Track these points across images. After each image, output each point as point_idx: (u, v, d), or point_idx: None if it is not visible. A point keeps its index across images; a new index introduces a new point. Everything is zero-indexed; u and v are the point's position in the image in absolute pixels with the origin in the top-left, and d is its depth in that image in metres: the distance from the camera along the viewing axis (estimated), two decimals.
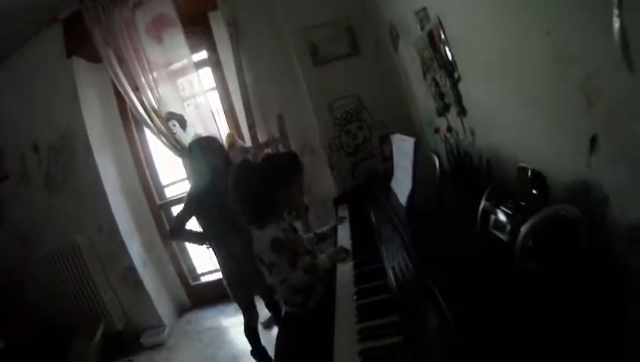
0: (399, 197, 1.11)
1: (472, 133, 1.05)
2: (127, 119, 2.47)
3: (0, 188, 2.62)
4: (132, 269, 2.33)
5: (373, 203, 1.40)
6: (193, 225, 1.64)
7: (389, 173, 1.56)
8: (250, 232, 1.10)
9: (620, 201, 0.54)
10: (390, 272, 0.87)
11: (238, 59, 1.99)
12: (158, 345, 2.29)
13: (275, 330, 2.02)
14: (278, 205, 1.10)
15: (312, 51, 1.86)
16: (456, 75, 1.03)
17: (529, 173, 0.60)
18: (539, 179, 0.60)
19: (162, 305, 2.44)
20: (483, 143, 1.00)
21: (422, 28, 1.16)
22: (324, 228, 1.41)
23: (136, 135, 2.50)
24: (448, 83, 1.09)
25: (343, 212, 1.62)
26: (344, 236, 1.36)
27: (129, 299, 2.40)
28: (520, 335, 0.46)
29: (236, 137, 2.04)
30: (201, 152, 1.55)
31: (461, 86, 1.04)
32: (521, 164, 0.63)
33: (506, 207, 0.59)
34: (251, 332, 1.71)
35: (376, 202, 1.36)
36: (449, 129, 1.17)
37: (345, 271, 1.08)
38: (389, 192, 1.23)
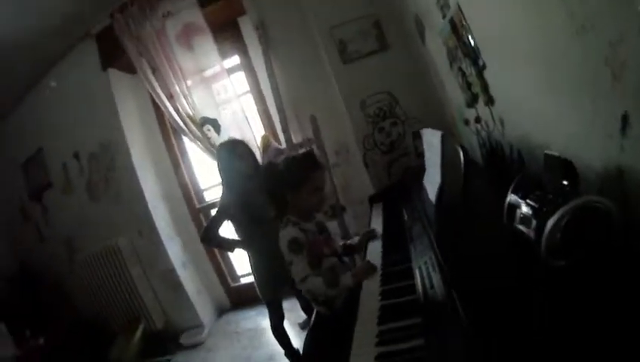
0: (429, 193, 1.08)
1: (502, 122, 1.00)
2: (165, 126, 2.56)
3: (44, 195, 2.79)
4: (171, 270, 2.40)
5: (406, 200, 1.37)
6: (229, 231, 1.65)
7: (422, 169, 1.56)
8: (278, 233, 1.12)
9: None
10: (417, 273, 0.83)
11: (269, 63, 2.01)
12: (197, 345, 2.35)
13: None
14: (296, 207, 1.09)
15: (341, 49, 1.85)
16: (480, 63, 0.99)
17: (556, 162, 0.55)
18: (567, 167, 0.54)
19: (201, 306, 2.51)
20: (513, 133, 0.95)
21: (443, 16, 1.13)
22: (354, 240, 1.35)
23: (174, 141, 2.58)
24: (474, 71, 1.05)
25: (378, 210, 1.60)
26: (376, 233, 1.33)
27: (169, 300, 2.49)
28: (542, 344, 0.41)
29: (271, 139, 2.07)
30: (227, 156, 1.56)
31: (486, 73, 0.99)
32: (548, 152, 0.58)
33: (532, 200, 0.55)
34: (278, 332, 1.72)
35: (409, 199, 1.34)
36: (477, 119, 1.13)
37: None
38: (421, 189, 1.21)
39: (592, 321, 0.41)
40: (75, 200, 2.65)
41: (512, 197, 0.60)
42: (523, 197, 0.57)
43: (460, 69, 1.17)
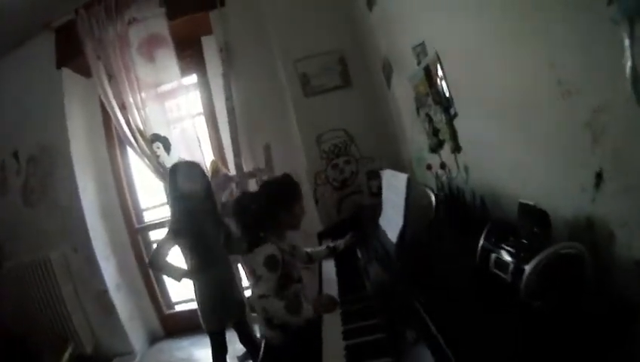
0: (389, 234, 1.08)
1: (466, 169, 1.04)
2: (112, 138, 2.42)
3: None
4: (105, 292, 2.23)
5: (360, 239, 1.38)
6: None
7: (376, 209, 1.55)
8: (229, 262, 1.12)
9: (625, 237, 0.53)
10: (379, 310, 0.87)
11: (228, 86, 1.96)
12: None
13: None
14: (280, 226, 1.17)
15: (304, 82, 1.85)
16: (452, 111, 1.03)
17: (531, 210, 0.60)
18: (541, 216, 0.59)
19: (134, 332, 2.33)
20: (478, 180, 0.99)
21: (418, 63, 1.16)
22: (339, 242, 1.40)
23: (119, 155, 2.45)
24: (444, 119, 1.08)
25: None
26: (329, 272, 1.32)
27: (100, 323, 2.29)
28: None
29: (220, 165, 1.99)
30: (182, 178, 1.50)
31: (457, 122, 1.03)
32: (523, 201, 0.62)
33: (508, 246, 0.59)
34: None
35: (363, 238, 1.35)
36: (442, 165, 1.15)
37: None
38: (376, 229, 1.21)
39: (565, 352, 0.46)
40: (8, 202, 2.42)
41: (484, 243, 0.64)
42: (497, 243, 0.62)
43: (428, 115, 1.19)
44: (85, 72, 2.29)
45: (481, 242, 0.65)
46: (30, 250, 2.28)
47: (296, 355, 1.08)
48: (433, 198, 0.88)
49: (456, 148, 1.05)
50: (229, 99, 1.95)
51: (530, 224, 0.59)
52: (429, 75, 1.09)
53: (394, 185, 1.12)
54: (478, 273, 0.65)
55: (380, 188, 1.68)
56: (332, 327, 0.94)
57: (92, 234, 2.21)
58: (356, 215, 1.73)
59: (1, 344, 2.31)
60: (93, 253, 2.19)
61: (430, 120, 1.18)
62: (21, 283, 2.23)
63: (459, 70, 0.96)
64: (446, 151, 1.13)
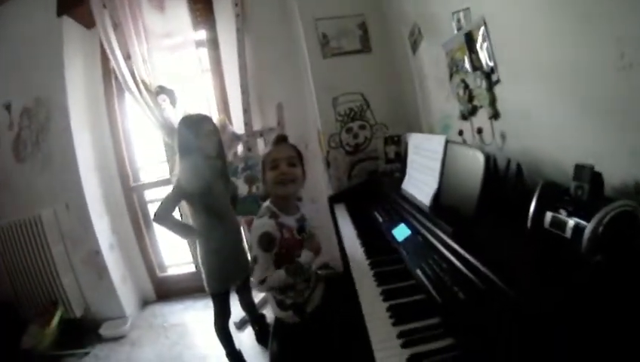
0: (418, 197, 1.07)
1: (503, 136, 1.03)
2: (111, 93, 2.29)
3: None
4: (97, 252, 2.13)
5: (377, 203, 1.35)
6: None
7: (392, 175, 1.51)
8: (237, 222, 1.02)
9: None
10: (420, 273, 0.83)
11: (242, 41, 1.87)
12: (119, 338, 2.09)
13: (247, 331, 1.88)
14: (266, 187, 1.04)
15: (323, 42, 1.77)
16: (494, 77, 1.01)
17: (587, 172, 0.62)
18: (596, 178, 0.61)
19: (126, 295, 2.24)
20: (514, 147, 0.98)
21: (459, 28, 1.14)
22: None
23: (117, 109, 2.32)
24: (484, 85, 1.06)
25: (342, 211, 1.53)
26: (350, 235, 1.27)
27: (91, 285, 2.19)
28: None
29: (227, 121, 1.90)
30: (191, 132, 1.38)
31: (498, 89, 1.02)
32: (580, 163, 0.65)
33: (565, 205, 0.63)
34: (223, 332, 1.56)
35: (382, 202, 1.31)
36: (479, 131, 1.12)
37: (362, 270, 1.00)
38: (399, 194, 1.21)
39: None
40: None
41: (537, 202, 0.67)
42: (553, 203, 0.64)
43: (464, 81, 1.17)
44: (87, 21, 2.16)
45: (534, 202, 0.66)
46: (20, 208, 2.16)
47: (311, 334, 1.02)
48: (482, 159, 0.81)
49: (495, 115, 1.04)
50: (241, 55, 1.85)
51: (586, 185, 0.62)
52: (471, 41, 1.07)
53: (425, 148, 1.12)
54: (532, 230, 0.66)
55: (397, 154, 1.67)
56: (369, 290, 0.89)
57: (86, 190, 2.09)
58: (370, 180, 1.69)
59: None
60: (87, 210, 2.09)
61: (466, 86, 1.16)
62: (9, 244, 2.13)
63: (507, 37, 0.94)
64: (480, 117, 1.12)
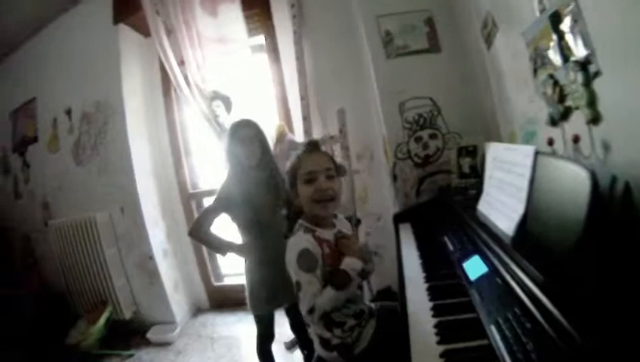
0: (498, 222, 0.86)
1: (606, 146, 0.79)
2: (170, 99, 2.30)
3: (29, 149, 2.54)
4: (150, 258, 2.14)
5: (447, 226, 1.14)
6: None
7: (467, 192, 1.32)
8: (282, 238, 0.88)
9: None
10: (494, 331, 0.61)
11: (299, 44, 1.76)
12: (166, 344, 2.08)
13: (297, 353, 1.78)
14: (300, 205, 0.90)
15: (386, 41, 1.61)
16: (592, 69, 0.78)
17: None
18: None
19: (177, 301, 2.24)
20: (622, 160, 0.75)
21: (542, 10, 0.91)
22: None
23: (177, 116, 2.33)
24: (580, 79, 0.82)
25: (407, 232, 1.36)
26: (412, 266, 1.09)
27: (142, 289, 2.22)
28: None
29: (287, 129, 1.80)
30: (238, 138, 1.26)
31: (598, 83, 0.78)
32: None
33: None
34: (264, 355, 1.45)
35: (454, 225, 1.11)
36: (575, 139, 0.89)
37: (422, 318, 0.81)
38: (474, 216, 0.99)
39: None
40: (59, 160, 2.40)
41: None
42: None
43: (552, 76, 0.93)
44: (142, 29, 2.19)
45: None
46: (77, 210, 2.24)
47: None
48: (589, 180, 0.59)
49: (594, 119, 0.80)
50: (299, 58, 1.74)
51: None
52: (558, 24, 0.84)
53: (508, 161, 0.90)
54: None
55: (473, 167, 1.47)
56: (425, 348, 0.69)
57: (141, 195, 2.11)
58: (440, 198, 1.50)
59: (43, 300, 2.32)
60: (142, 216, 2.10)
61: (555, 83, 0.93)
62: (66, 243, 2.22)
63: (607, 12, 0.70)
64: (575, 122, 0.88)
